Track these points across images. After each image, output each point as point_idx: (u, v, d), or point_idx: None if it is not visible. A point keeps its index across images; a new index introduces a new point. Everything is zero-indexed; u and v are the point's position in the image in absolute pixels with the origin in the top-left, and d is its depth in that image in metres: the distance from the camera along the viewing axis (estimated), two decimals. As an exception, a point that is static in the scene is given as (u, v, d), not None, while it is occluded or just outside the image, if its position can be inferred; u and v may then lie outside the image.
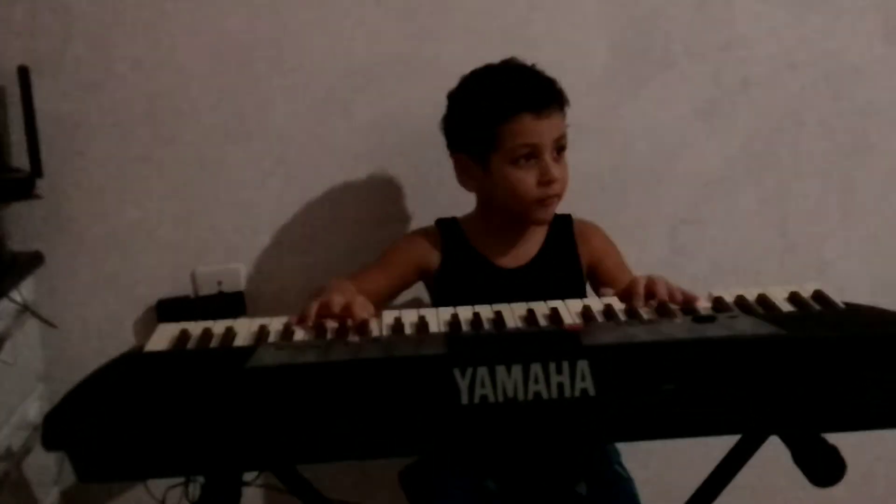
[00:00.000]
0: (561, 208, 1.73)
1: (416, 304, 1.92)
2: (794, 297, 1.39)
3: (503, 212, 1.70)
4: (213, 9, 1.91)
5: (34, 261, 1.90)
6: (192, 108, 1.94)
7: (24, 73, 1.82)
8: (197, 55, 1.93)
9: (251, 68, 1.94)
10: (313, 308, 1.38)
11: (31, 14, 1.87)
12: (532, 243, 1.75)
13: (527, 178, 1.63)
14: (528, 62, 1.69)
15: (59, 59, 1.89)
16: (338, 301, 1.38)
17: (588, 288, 1.79)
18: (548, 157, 1.62)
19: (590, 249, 1.77)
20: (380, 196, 2.02)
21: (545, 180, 1.62)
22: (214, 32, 1.92)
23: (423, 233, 1.80)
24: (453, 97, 1.70)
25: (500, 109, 1.61)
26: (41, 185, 1.85)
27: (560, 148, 1.65)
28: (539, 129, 1.61)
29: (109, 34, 1.90)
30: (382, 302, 1.69)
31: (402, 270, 1.75)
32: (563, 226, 1.78)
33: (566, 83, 1.68)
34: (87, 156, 1.94)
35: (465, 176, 1.72)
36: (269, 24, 1.93)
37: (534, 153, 1.62)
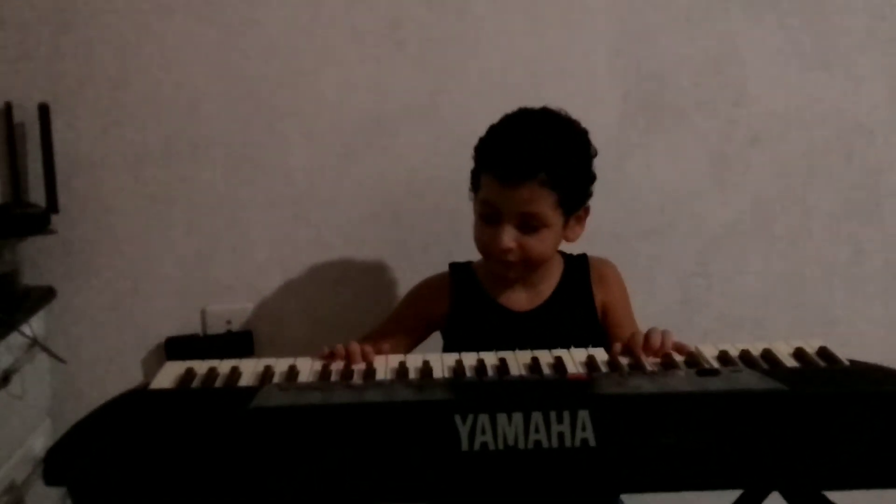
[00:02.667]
0: (572, 252, 1.74)
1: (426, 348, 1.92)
2: (798, 353, 1.39)
3: None
4: (232, 52, 1.95)
5: (46, 295, 1.91)
6: (206, 149, 1.97)
7: (44, 111, 1.85)
8: (213, 97, 1.96)
9: (267, 111, 1.97)
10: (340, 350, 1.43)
11: (52, 53, 1.91)
12: (546, 285, 1.72)
13: (484, 232, 1.61)
14: (569, 120, 1.64)
15: (78, 98, 1.93)
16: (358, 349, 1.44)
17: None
18: (506, 224, 1.56)
19: (605, 289, 1.73)
20: (391, 241, 2.04)
21: (494, 244, 1.58)
22: (232, 75, 1.95)
23: (432, 282, 1.79)
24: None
25: (482, 159, 1.61)
26: (56, 221, 1.87)
27: (530, 226, 1.57)
28: (501, 195, 1.56)
29: (128, 74, 1.93)
30: None
31: (413, 327, 1.74)
32: (579, 265, 1.75)
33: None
34: (101, 193, 1.96)
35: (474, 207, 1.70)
36: (287, 68, 1.96)
37: (496, 213, 1.58)
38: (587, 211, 1.68)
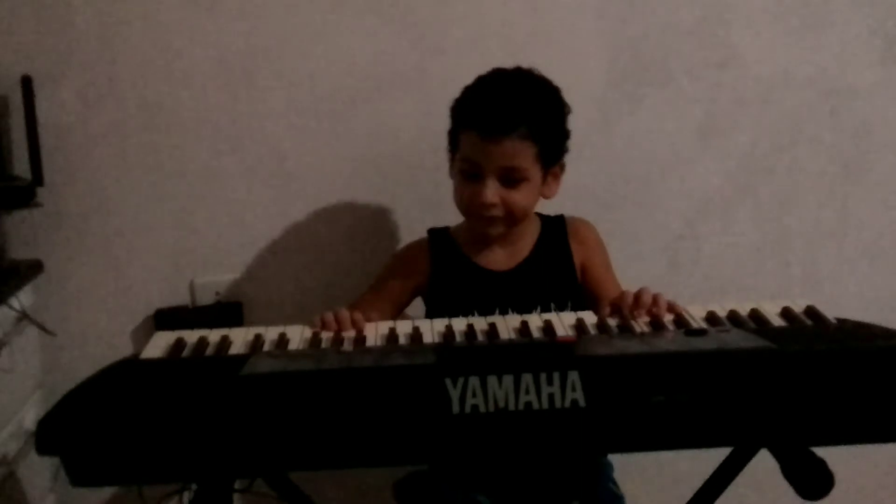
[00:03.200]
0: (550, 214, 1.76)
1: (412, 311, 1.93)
2: (785, 312, 1.40)
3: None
4: (215, 21, 1.93)
5: (33, 268, 1.91)
6: (192, 119, 1.96)
7: (27, 83, 1.83)
8: (197, 66, 1.94)
9: (251, 80, 1.96)
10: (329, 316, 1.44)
11: (34, 25, 1.89)
12: (523, 244, 1.74)
13: (465, 190, 1.63)
14: (542, 77, 1.66)
15: (61, 70, 1.91)
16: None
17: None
18: (489, 179, 1.59)
19: (583, 247, 1.76)
20: (378, 207, 2.04)
21: (476, 200, 1.61)
22: (215, 44, 1.94)
23: (411, 248, 1.81)
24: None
25: (461, 116, 1.64)
26: (42, 194, 1.86)
27: (512, 179, 1.60)
28: (483, 151, 1.58)
29: (111, 45, 1.92)
30: None
31: (395, 294, 1.76)
32: (556, 225, 1.77)
33: (565, 97, 1.68)
34: (87, 165, 1.95)
35: (450, 166, 1.73)
36: (270, 36, 1.95)
37: (478, 170, 1.60)
38: (563, 168, 1.70)
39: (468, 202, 1.63)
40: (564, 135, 1.68)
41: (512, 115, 1.57)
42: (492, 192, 1.59)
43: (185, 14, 1.92)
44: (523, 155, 1.59)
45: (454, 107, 1.66)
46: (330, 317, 1.44)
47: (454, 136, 1.67)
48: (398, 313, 1.77)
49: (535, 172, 1.62)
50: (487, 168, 1.59)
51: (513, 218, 1.64)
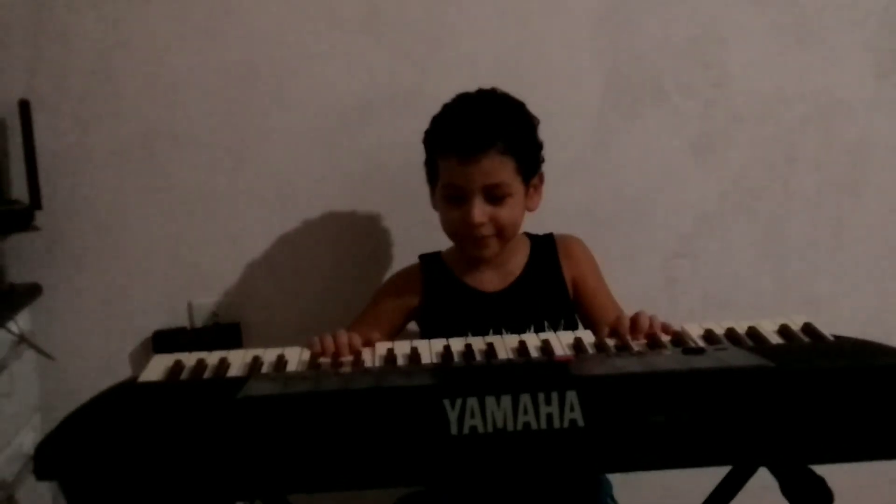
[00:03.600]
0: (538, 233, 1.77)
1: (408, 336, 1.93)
2: (783, 330, 1.40)
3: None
4: (213, 43, 1.94)
5: (32, 292, 1.91)
6: (190, 142, 1.97)
7: (24, 107, 1.84)
8: (195, 88, 1.95)
9: (249, 102, 1.97)
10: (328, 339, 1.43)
11: (32, 48, 1.90)
12: (514, 264, 1.75)
13: (453, 215, 1.64)
14: (507, 94, 1.68)
15: (58, 93, 1.92)
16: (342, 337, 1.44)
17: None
18: (475, 199, 1.60)
19: (573, 264, 1.77)
20: (375, 227, 2.04)
21: (466, 222, 1.62)
22: (213, 66, 1.95)
23: (403, 274, 1.82)
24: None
25: (436, 144, 1.65)
26: (40, 217, 1.87)
27: (496, 196, 1.61)
28: (464, 173, 1.60)
29: (109, 68, 1.93)
30: None
31: (388, 319, 1.76)
32: (546, 244, 1.78)
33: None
34: (85, 188, 1.96)
35: (431, 198, 1.74)
36: (268, 57, 1.96)
37: (461, 193, 1.62)
38: (542, 178, 1.72)
39: (458, 226, 1.64)
40: (537, 146, 1.70)
41: (486, 133, 1.59)
42: (479, 211, 1.60)
43: (183, 36, 1.94)
44: (503, 170, 1.60)
45: (426, 138, 1.68)
46: (329, 341, 1.44)
47: (432, 166, 1.68)
48: (391, 339, 1.75)
49: (517, 186, 1.63)
50: (471, 189, 1.60)
51: (503, 235, 1.65)
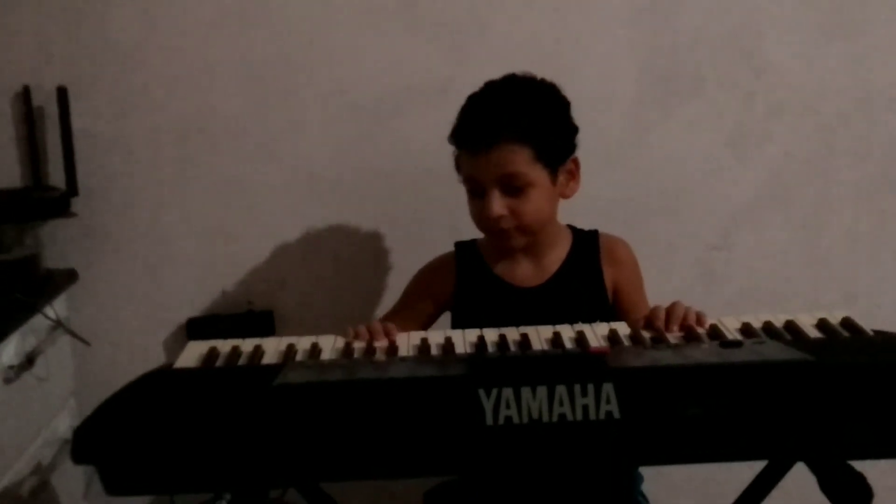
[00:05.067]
0: (587, 228, 1.74)
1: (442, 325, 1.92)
2: (822, 324, 1.38)
3: None
4: (247, 32, 1.95)
5: (68, 278, 1.93)
6: (224, 129, 1.97)
7: (62, 94, 1.86)
8: (230, 77, 1.96)
9: (283, 91, 1.97)
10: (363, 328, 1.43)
11: (69, 37, 1.92)
12: (552, 260, 1.70)
13: (475, 208, 1.62)
14: (531, 80, 1.63)
15: (95, 80, 1.93)
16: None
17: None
18: (492, 191, 1.56)
19: (616, 268, 1.71)
20: (408, 216, 2.04)
21: (484, 215, 1.58)
22: (248, 56, 1.96)
23: (438, 262, 1.78)
24: None
25: (454, 140, 1.62)
26: (76, 204, 1.88)
27: (514, 187, 1.56)
28: (477, 166, 1.57)
29: (145, 56, 1.94)
30: None
31: (422, 308, 1.74)
32: (589, 242, 1.72)
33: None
34: (120, 175, 1.97)
35: None
36: (302, 48, 1.96)
37: (480, 186, 1.58)
38: (577, 164, 1.65)
39: (479, 219, 1.61)
40: (565, 129, 1.63)
41: (493, 124, 1.55)
42: (497, 204, 1.56)
43: (219, 26, 1.94)
44: (517, 159, 1.55)
45: (452, 131, 1.64)
46: (363, 329, 1.44)
47: (457, 161, 1.65)
48: (426, 327, 1.75)
49: (538, 175, 1.57)
50: (486, 181, 1.56)
51: (527, 228, 1.60)
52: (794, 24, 2.03)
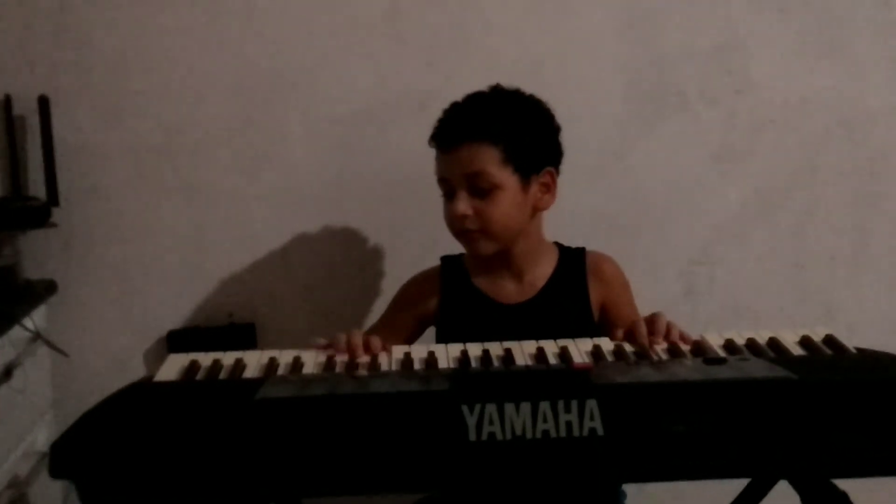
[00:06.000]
0: (572, 243, 1.73)
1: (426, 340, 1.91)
2: (805, 341, 1.38)
3: None
4: (232, 42, 1.94)
5: (47, 289, 1.91)
6: (207, 140, 1.96)
7: (44, 104, 1.84)
8: (213, 87, 1.95)
9: (266, 102, 1.97)
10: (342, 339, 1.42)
11: (51, 46, 1.90)
12: (537, 276, 1.68)
13: (445, 210, 1.62)
14: (506, 88, 1.63)
15: (78, 90, 1.92)
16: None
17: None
18: (459, 191, 1.56)
19: (603, 285, 1.69)
20: (391, 229, 2.04)
21: (450, 215, 1.59)
22: (233, 67, 1.95)
23: (421, 277, 1.77)
24: None
25: (430, 139, 1.63)
26: (56, 214, 1.87)
27: (480, 188, 1.56)
28: (445, 164, 1.59)
29: (128, 66, 1.93)
30: None
31: (405, 323, 1.73)
32: (575, 259, 1.71)
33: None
34: (102, 185, 1.95)
35: None
36: (288, 58, 1.96)
37: (449, 187, 1.59)
38: (553, 177, 1.63)
39: (448, 221, 1.61)
40: (541, 138, 1.62)
41: (464, 122, 1.57)
42: (463, 204, 1.56)
43: (203, 36, 1.93)
44: (484, 159, 1.55)
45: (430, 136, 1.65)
46: (341, 339, 1.42)
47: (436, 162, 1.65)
48: (412, 341, 1.73)
49: (505, 178, 1.56)
50: (453, 180, 1.57)
51: (492, 232, 1.59)
52: (778, 41, 2.04)
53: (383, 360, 1.39)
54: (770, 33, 2.04)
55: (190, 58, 1.94)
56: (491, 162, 1.55)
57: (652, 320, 1.43)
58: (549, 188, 1.64)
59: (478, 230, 1.58)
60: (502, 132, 1.56)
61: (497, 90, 1.63)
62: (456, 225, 1.59)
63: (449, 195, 1.60)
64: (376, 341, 1.43)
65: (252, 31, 1.94)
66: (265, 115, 1.97)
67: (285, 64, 1.96)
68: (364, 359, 1.40)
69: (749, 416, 1.14)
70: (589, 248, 1.74)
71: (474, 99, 1.62)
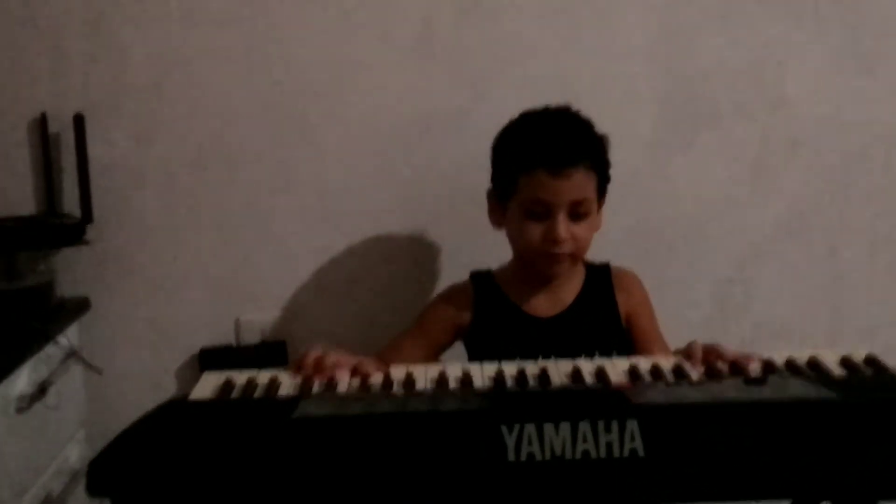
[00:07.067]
0: (606, 261, 1.74)
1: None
2: (845, 362, 1.36)
3: (523, 259, 1.68)
4: (265, 60, 1.95)
5: (81, 306, 1.92)
6: (240, 158, 1.97)
7: (79, 122, 1.86)
8: (247, 105, 1.96)
9: (299, 120, 1.97)
10: (310, 356, 1.38)
11: (86, 65, 1.92)
12: (568, 291, 1.72)
13: (534, 231, 1.61)
14: (579, 110, 1.66)
15: (111, 108, 1.93)
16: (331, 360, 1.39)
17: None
18: (560, 215, 1.58)
19: (628, 299, 1.73)
20: (423, 247, 2.03)
21: (549, 238, 1.59)
22: (264, 84, 1.95)
23: (455, 290, 1.78)
24: (497, 134, 1.70)
25: (521, 159, 1.60)
26: (90, 231, 1.87)
27: (579, 209, 1.59)
28: (553, 188, 1.57)
29: (161, 84, 1.94)
30: None
31: (436, 334, 1.74)
32: (601, 274, 1.75)
33: (614, 139, 1.67)
34: (135, 203, 1.96)
35: (492, 213, 1.72)
36: (319, 76, 1.96)
37: (546, 209, 1.59)
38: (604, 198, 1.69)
39: (539, 241, 1.60)
40: (609, 165, 1.67)
41: (577, 148, 1.58)
42: (564, 228, 1.58)
43: (236, 53, 1.94)
44: (589, 187, 1.60)
45: (505, 153, 1.65)
46: (308, 361, 1.39)
47: (508, 182, 1.63)
48: (437, 355, 1.75)
49: (595, 205, 1.63)
50: (558, 204, 1.57)
51: (577, 254, 1.63)
52: (813, 58, 2.03)
53: (419, 377, 1.38)
54: (805, 49, 2.03)
55: (223, 76, 1.95)
56: (592, 189, 1.61)
57: (710, 350, 1.41)
58: (600, 209, 1.69)
59: (568, 253, 1.61)
60: (599, 160, 1.62)
61: (570, 111, 1.65)
62: (549, 247, 1.60)
63: (540, 216, 1.60)
64: (329, 359, 1.39)
65: (284, 49, 1.95)
66: (297, 133, 1.98)
67: (318, 82, 1.96)
68: (344, 377, 1.36)
69: (792, 437, 1.13)
70: (621, 264, 1.77)
71: (572, 122, 1.63)
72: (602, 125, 1.67)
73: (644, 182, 2.02)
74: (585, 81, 1.99)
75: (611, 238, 1.76)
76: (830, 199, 2.08)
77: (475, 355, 1.70)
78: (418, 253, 2.03)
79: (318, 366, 1.38)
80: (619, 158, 1.69)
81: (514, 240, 1.67)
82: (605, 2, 1.99)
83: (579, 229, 1.60)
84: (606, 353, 1.58)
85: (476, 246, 1.93)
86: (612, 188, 1.71)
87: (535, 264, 1.65)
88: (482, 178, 1.72)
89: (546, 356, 1.49)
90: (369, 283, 2.04)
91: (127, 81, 1.93)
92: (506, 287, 1.73)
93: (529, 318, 1.70)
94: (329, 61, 1.96)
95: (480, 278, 1.77)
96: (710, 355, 1.39)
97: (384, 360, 1.54)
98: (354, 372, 1.39)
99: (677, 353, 1.44)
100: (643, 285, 1.78)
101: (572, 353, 1.48)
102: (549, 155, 1.57)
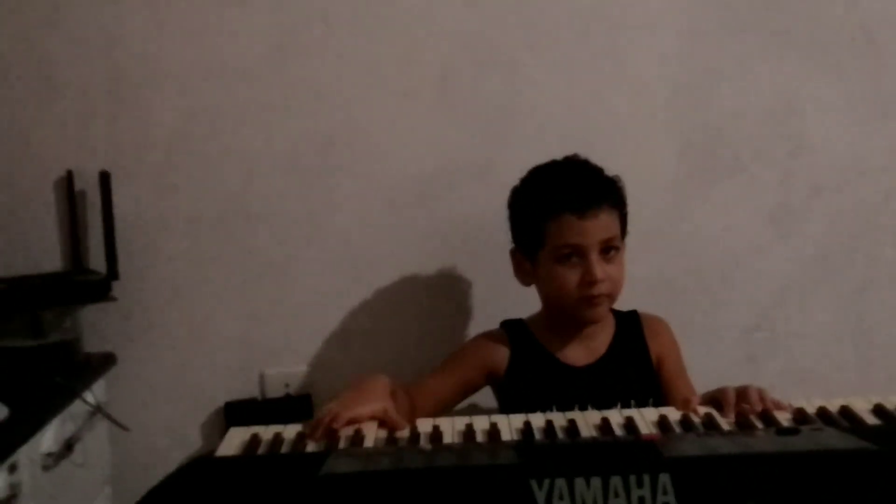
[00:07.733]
0: (631, 309, 1.74)
1: (469, 410, 1.89)
2: (878, 409, 1.35)
3: (560, 309, 1.68)
4: (288, 114, 1.96)
5: (107, 362, 1.92)
6: (261, 212, 1.98)
7: (105, 179, 1.87)
8: (270, 160, 1.97)
9: (320, 173, 1.98)
10: (325, 419, 1.38)
11: (110, 124, 1.94)
12: (600, 340, 1.73)
13: (570, 276, 1.61)
14: (589, 158, 1.69)
15: (137, 166, 1.95)
16: (344, 415, 1.39)
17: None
18: (593, 256, 1.59)
19: (659, 345, 1.75)
20: (448, 298, 2.03)
21: (587, 280, 1.60)
22: (288, 137, 1.97)
23: (491, 336, 1.78)
24: (513, 192, 1.72)
25: (545, 207, 1.62)
26: (116, 287, 1.88)
27: (609, 248, 1.61)
28: (582, 230, 1.59)
29: (186, 141, 1.95)
30: (446, 407, 1.71)
31: (470, 374, 1.74)
32: (631, 321, 1.77)
33: (635, 187, 1.69)
34: (160, 258, 1.97)
35: (519, 271, 1.73)
36: (342, 130, 1.98)
37: (578, 252, 1.60)
38: None
39: (576, 286, 1.61)
40: (626, 203, 1.71)
41: (598, 188, 1.62)
42: (600, 268, 1.60)
43: (260, 108, 1.96)
44: (614, 225, 1.63)
45: (527, 206, 1.67)
46: (325, 419, 1.39)
47: (536, 233, 1.64)
48: (462, 397, 1.75)
49: (622, 242, 1.66)
50: (589, 245, 1.59)
51: (614, 294, 1.64)
52: (832, 103, 2.03)
53: (445, 430, 1.37)
54: (825, 94, 2.03)
55: (245, 131, 1.96)
56: (618, 226, 1.65)
57: (745, 391, 1.43)
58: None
59: (606, 294, 1.62)
60: (619, 197, 1.66)
61: (585, 160, 1.69)
62: (586, 290, 1.61)
63: (572, 261, 1.61)
64: (343, 417, 1.39)
65: (306, 102, 1.96)
66: (317, 184, 1.99)
67: (340, 134, 1.98)
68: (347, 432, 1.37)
69: (828, 489, 1.10)
70: (647, 312, 1.78)
71: (586, 167, 1.67)
72: (623, 175, 1.69)
73: (666, 229, 2.02)
74: (604, 130, 2.00)
75: (635, 289, 1.75)
76: (855, 244, 2.07)
77: (508, 401, 1.71)
78: (441, 304, 2.03)
79: (334, 425, 1.37)
80: (641, 208, 1.70)
81: (547, 291, 1.68)
82: (623, 52, 2.00)
83: (612, 269, 1.62)
84: (642, 399, 1.59)
85: (500, 298, 1.93)
86: (635, 238, 1.72)
87: (575, 311, 1.65)
88: (504, 228, 1.72)
89: (582, 405, 1.50)
90: (392, 335, 2.03)
91: (151, 139, 1.95)
92: (540, 336, 1.74)
93: (565, 367, 1.71)
94: (349, 113, 1.98)
95: (513, 327, 1.77)
96: (741, 402, 1.39)
97: (412, 395, 1.57)
98: (381, 423, 1.39)
99: (706, 395, 1.43)
100: (671, 328, 1.79)
101: (608, 402, 1.49)
102: (573, 198, 1.59)
